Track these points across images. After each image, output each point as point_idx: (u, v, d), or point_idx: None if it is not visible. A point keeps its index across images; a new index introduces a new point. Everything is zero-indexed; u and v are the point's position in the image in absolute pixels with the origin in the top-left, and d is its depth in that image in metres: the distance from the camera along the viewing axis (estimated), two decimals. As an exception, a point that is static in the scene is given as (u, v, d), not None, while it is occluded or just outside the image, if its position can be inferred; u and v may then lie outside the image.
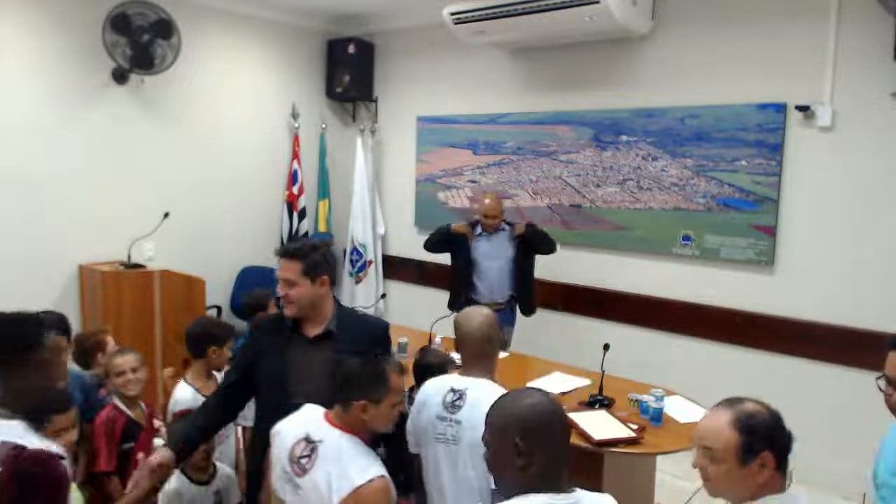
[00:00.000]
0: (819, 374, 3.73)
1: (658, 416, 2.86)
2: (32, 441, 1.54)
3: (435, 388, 2.17)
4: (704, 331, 4.12)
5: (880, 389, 1.74)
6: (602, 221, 4.52)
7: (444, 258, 5.40)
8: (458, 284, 4.31)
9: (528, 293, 4.28)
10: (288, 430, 1.84)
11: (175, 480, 2.36)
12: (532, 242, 4.15)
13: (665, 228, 4.25)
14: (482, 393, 2.02)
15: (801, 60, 3.72)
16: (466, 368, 2.21)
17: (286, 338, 2.21)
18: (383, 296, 5.43)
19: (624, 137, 4.38)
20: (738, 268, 4.01)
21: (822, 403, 3.69)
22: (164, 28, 4.42)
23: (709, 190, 4.07)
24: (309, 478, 1.71)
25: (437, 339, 3.79)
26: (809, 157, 3.75)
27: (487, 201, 4.23)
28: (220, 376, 2.88)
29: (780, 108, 3.79)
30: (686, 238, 4.18)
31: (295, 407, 2.01)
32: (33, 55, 4.15)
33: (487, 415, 1.46)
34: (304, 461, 1.75)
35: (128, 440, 2.45)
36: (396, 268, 5.76)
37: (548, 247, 4.18)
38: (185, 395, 2.72)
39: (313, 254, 2.19)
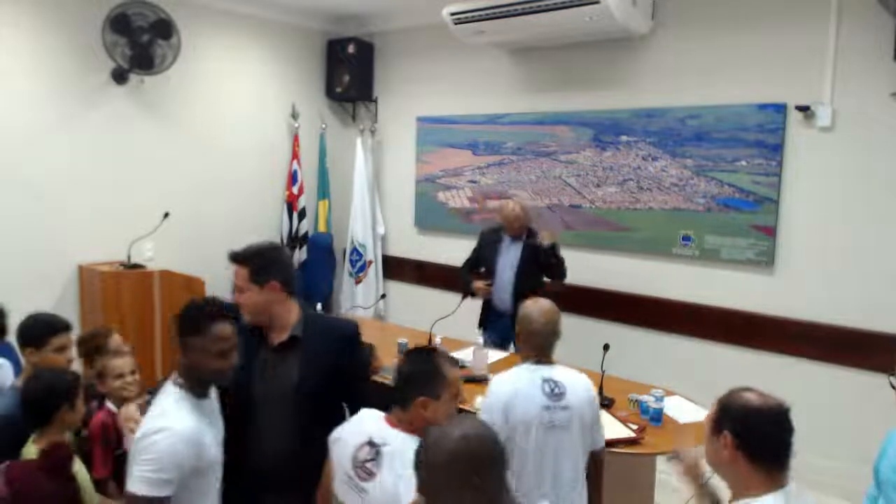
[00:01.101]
0: (819, 374, 3.73)
1: (658, 416, 2.86)
2: None
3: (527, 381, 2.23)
4: (704, 331, 4.12)
5: (893, 387, 1.75)
6: (602, 221, 4.52)
7: (444, 258, 5.41)
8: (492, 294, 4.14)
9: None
10: (349, 436, 1.84)
11: None
12: (546, 258, 3.96)
13: (665, 228, 4.25)
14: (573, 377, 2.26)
15: (801, 60, 3.72)
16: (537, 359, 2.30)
17: (254, 347, 2.13)
18: (383, 296, 5.43)
19: (624, 137, 4.38)
20: (738, 268, 4.01)
21: (822, 403, 3.69)
22: (164, 28, 4.42)
23: (709, 190, 4.07)
24: (376, 482, 1.71)
25: (437, 340, 3.79)
26: (809, 157, 3.75)
27: (510, 209, 4.06)
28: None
29: (780, 109, 3.79)
30: (686, 238, 4.18)
31: (258, 414, 2.02)
32: (33, 55, 4.15)
33: (425, 456, 1.40)
34: (369, 465, 1.74)
35: (121, 444, 2.41)
36: (396, 268, 5.76)
37: (559, 272, 4.04)
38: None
39: (258, 258, 2.10)
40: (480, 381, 3.30)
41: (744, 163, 3.93)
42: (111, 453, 2.39)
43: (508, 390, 2.20)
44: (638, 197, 4.35)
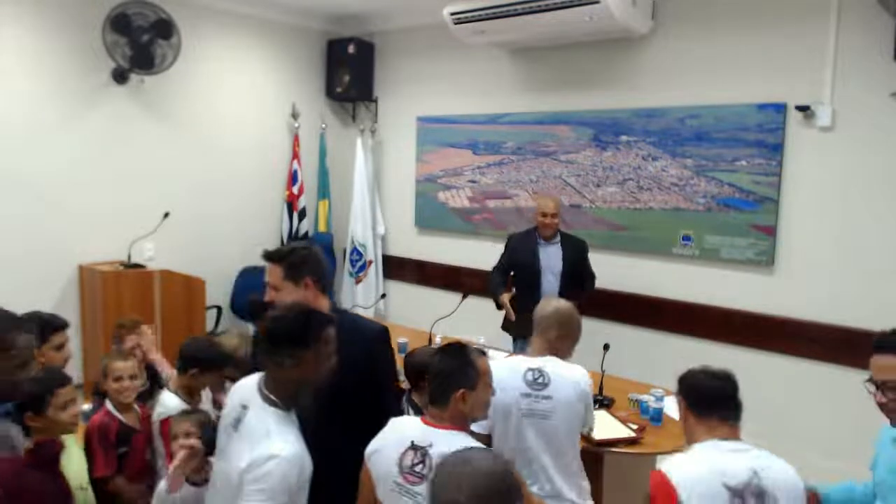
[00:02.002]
0: (819, 374, 3.73)
1: (658, 416, 2.86)
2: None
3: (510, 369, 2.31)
4: (705, 331, 4.13)
5: (869, 391, 1.75)
6: (602, 221, 4.52)
7: (444, 258, 5.42)
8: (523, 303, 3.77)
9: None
10: (387, 446, 1.82)
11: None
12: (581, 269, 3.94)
13: (665, 228, 4.25)
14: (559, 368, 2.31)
15: (801, 60, 3.72)
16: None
17: None
18: (383, 296, 5.44)
19: (624, 137, 4.38)
20: (738, 268, 4.01)
21: (822, 403, 3.69)
22: (164, 28, 4.42)
23: (709, 190, 4.07)
24: (427, 485, 1.66)
25: (437, 339, 3.79)
26: (809, 157, 3.75)
27: (549, 202, 3.94)
28: (204, 394, 2.88)
29: (780, 108, 3.79)
30: (686, 238, 4.18)
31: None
32: (33, 55, 4.15)
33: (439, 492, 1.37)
34: (418, 468, 1.74)
35: (121, 445, 2.40)
36: (396, 268, 5.76)
37: (591, 285, 4.00)
38: (171, 403, 2.70)
39: (292, 256, 2.12)
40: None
41: (744, 163, 3.93)
42: (113, 452, 2.39)
43: (496, 374, 2.23)
44: (638, 197, 4.36)
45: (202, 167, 5.03)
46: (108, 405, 2.50)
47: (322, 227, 5.73)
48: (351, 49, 5.55)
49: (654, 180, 4.29)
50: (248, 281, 5.07)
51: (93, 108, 4.43)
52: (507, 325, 4.06)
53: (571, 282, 3.88)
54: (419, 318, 4.28)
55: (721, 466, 1.66)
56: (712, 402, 1.78)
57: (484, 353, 1.94)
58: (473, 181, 5.19)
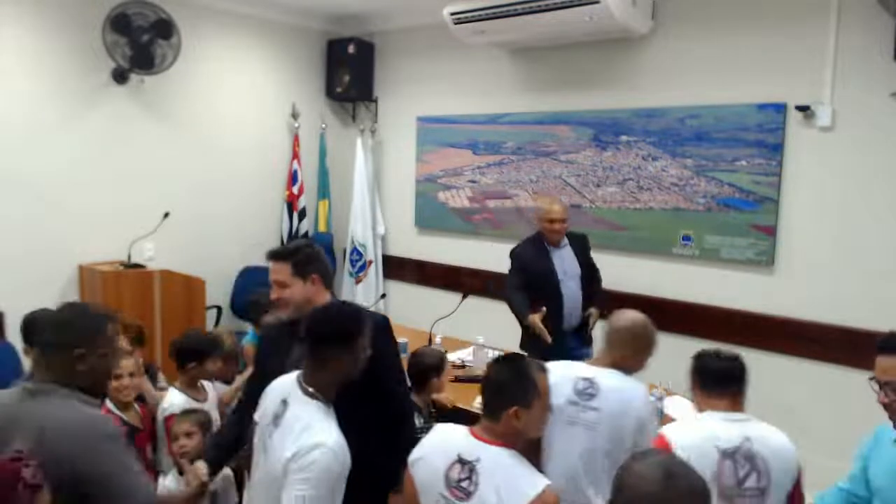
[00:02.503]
0: (819, 374, 3.73)
1: (658, 416, 2.86)
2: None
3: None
4: (705, 331, 4.12)
5: (873, 389, 1.79)
6: (602, 221, 4.52)
7: (444, 258, 5.42)
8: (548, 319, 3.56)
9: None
10: (432, 455, 1.78)
11: (171, 480, 2.35)
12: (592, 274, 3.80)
13: (665, 228, 4.25)
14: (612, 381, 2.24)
15: (801, 60, 3.72)
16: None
17: (288, 340, 2.20)
18: (383, 296, 5.43)
19: (624, 137, 4.38)
20: (738, 268, 4.01)
21: (822, 403, 3.69)
22: (164, 28, 4.42)
23: (709, 190, 4.08)
24: (476, 499, 1.66)
25: (437, 340, 3.79)
26: (809, 157, 3.75)
27: (555, 206, 3.71)
28: (208, 384, 2.89)
29: (780, 108, 3.79)
30: (686, 238, 4.18)
31: None
32: (33, 55, 4.15)
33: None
34: (465, 484, 1.68)
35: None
36: (396, 268, 5.76)
37: (599, 281, 3.87)
38: (177, 400, 2.71)
39: (299, 253, 2.21)
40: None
41: (744, 163, 3.93)
42: None
43: (552, 378, 2.23)
44: (638, 197, 4.36)
45: (202, 167, 5.03)
46: (109, 404, 2.50)
47: (322, 227, 5.73)
48: (351, 49, 5.55)
49: (654, 180, 4.29)
50: (248, 281, 5.07)
51: (93, 108, 4.42)
52: (530, 345, 3.70)
53: (589, 282, 3.77)
54: (419, 318, 4.28)
55: (716, 432, 1.86)
56: (718, 381, 1.98)
57: (545, 370, 1.84)
58: (473, 181, 5.18)
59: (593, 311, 3.71)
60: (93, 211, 4.44)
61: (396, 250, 5.78)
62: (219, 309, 5.05)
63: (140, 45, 4.36)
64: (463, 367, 3.52)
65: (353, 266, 5.67)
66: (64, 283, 4.38)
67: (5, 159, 4.06)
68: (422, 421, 2.72)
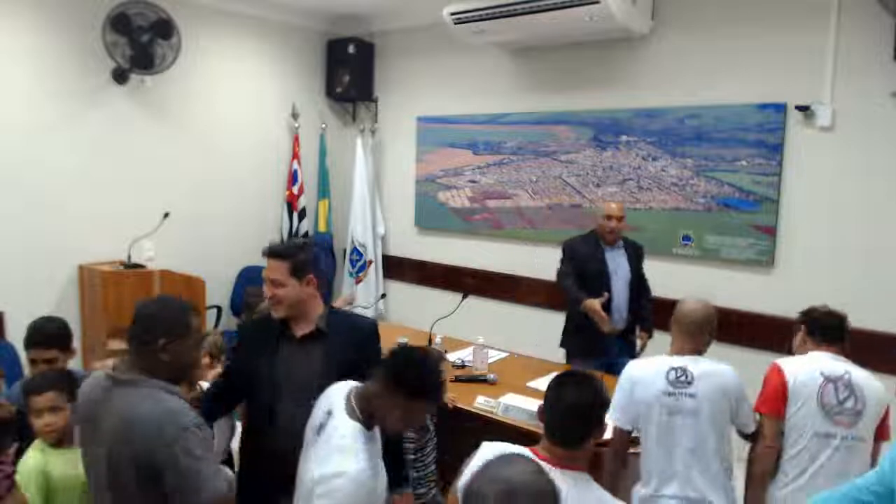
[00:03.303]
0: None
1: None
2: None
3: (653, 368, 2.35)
4: (704, 331, 4.12)
5: None
6: (602, 221, 4.52)
7: (444, 258, 5.42)
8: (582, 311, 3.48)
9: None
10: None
11: None
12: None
13: (665, 228, 4.25)
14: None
15: (801, 60, 3.72)
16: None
17: (275, 338, 2.21)
18: (383, 296, 5.44)
19: (624, 137, 4.38)
20: (738, 268, 4.01)
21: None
22: (164, 28, 4.42)
23: (709, 190, 4.07)
24: None
25: (437, 339, 3.79)
26: (809, 157, 3.75)
27: (613, 204, 3.67)
28: (204, 385, 2.89)
29: (780, 108, 3.79)
30: (686, 238, 4.18)
31: (279, 408, 2.01)
32: (33, 55, 4.14)
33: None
34: None
35: None
36: (396, 268, 5.76)
37: (648, 296, 3.82)
38: None
39: (300, 253, 2.19)
40: (481, 380, 3.30)
41: (744, 163, 3.93)
42: None
43: (635, 374, 2.38)
44: (638, 197, 4.35)
45: (202, 167, 5.03)
46: None
47: (322, 227, 5.73)
48: (351, 49, 5.55)
49: (654, 180, 4.29)
50: (248, 281, 5.06)
51: (93, 108, 4.42)
52: (574, 342, 3.67)
53: (637, 291, 3.71)
54: (419, 318, 4.28)
55: (821, 364, 2.30)
56: (825, 333, 2.39)
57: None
58: (473, 181, 5.18)
59: (643, 335, 3.69)
60: (93, 211, 4.44)
61: (396, 250, 5.78)
62: (219, 309, 5.05)
63: (140, 45, 4.36)
64: (463, 367, 3.52)
65: (353, 266, 5.67)
66: (64, 283, 4.38)
67: (5, 159, 4.06)
68: None
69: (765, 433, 2.31)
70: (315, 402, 1.94)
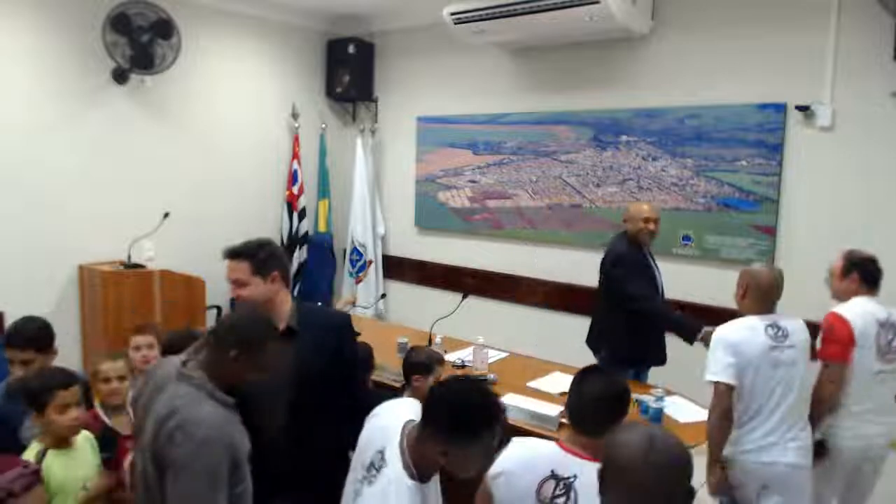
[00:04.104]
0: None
1: (658, 416, 2.86)
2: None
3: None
4: (704, 331, 4.12)
5: None
6: (602, 221, 4.52)
7: (444, 258, 5.42)
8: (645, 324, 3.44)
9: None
10: (518, 470, 1.67)
11: None
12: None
13: (665, 228, 4.23)
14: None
15: (801, 60, 3.72)
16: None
17: None
18: (383, 296, 5.44)
19: (624, 137, 4.38)
20: (739, 268, 3.94)
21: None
22: (164, 28, 4.42)
23: (709, 190, 4.07)
24: None
25: (438, 339, 3.79)
26: (809, 157, 3.75)
27: (647, 206, 3.61)
28: None
29: (780, 108, 3.79)
30: (686, 238, 4.18)
31: (255, 409, 1.99)
32: (33, 55, 4.14)
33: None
34: (560, 500, 1.59)
35: (104, 450, 2.33)
36: (396, 268, 5.76)
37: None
38: None
39: (261, 251, 2.15)
40: (481, 381, 3.30)
41: (744, 163, 3.93)
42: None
43: (731, 336, 2.57)
44: (638, 197, 4.35)
45: (202, 167, 5.03)
46: (98, 408, 2.47)
47: (322, 227, 5.73)
48: (351, 49, 5.55)
49: (654, 180, 4.29)
50: (248, 281, 5.06)
51: (93, 108, 4.42)
52: (629, 348, 3.52)
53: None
54: (419, 318, 4.28)
55: (871, 309, 2.69)
56: (875, 280, 2.76)
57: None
58: (473, 181, 5.18)
59: (708, 329, 3.37)
60: (93, 211, 4.44)
61: (396, 250, 5.78)
62: (219, 309, 5.04)
63: (140, 45, 4.36)
64: (463, 367, 3.52)
65: (353, 266, 5.67)
66: (64, 283, 4.38)
67: (5, 159, 4.06)
68: None
69: (832, 378, 2.63)
70: (293, 403, 1.93)
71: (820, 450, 2.66)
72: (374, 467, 1.64)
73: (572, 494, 1.58)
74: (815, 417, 2.65)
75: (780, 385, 2.53)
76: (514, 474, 1.67)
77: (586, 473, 1.56)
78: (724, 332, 2.61)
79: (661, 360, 3.58)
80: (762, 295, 2.67)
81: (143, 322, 3.21)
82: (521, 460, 1.69)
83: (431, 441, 1.57)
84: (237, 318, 1.88)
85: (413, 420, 1.68)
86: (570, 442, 1.69)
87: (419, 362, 2.79)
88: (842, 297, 2.79)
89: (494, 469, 1.70)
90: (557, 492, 1.59)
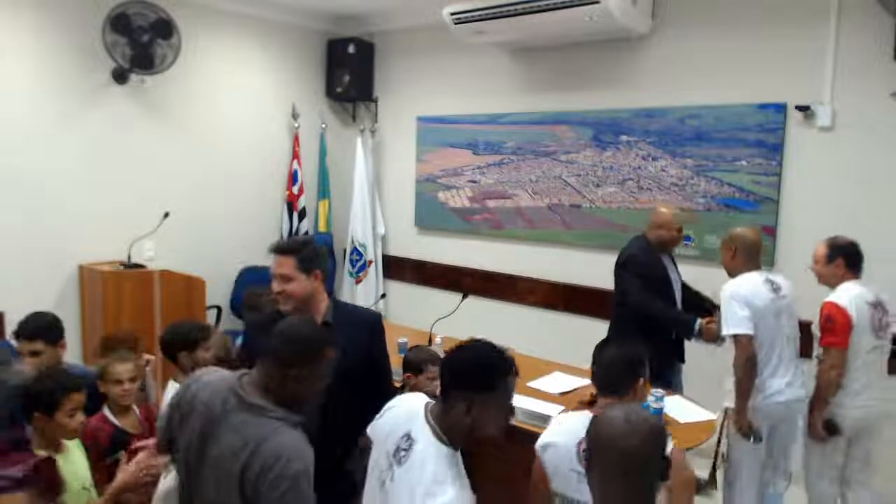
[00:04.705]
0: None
1: (658, 416, 2.86)
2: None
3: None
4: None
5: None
6: (602, 221, 4.52)
7: (444, 258, 5.42)
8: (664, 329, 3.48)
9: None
10: (560, 439, 1.92)
11: (168, 481, 2.34)
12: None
13: (665, 228, 4.25)
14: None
15: (801, 60, 3.72)
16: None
17: None
18: (383, 296, 5.43)
19: (624, 137, 4.38)
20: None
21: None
22: (164, 28, 4.42)
23: (709, 190, 4.08)
24: None
25: (438, 339, 3.79)
26: (809, 157, 3.75)
27: (667, 210, 3.60)
28: None
29: (780, 108, 3.79)
30: (686, 238, 4.18)
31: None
32: (33, 55, 4.14)
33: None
34: None
35: (115, 451, 2.36)
36: (396, 268, 5.76)
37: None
38: None
39: (306, 249, 2.25)
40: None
41: (744, 163, 3.93)
42: (99, 460, 2.34)
43: (743, 291, 2.90)
44: (638, 197, 4.36)
45: (202, 167, 5.03)
46: (105, 409, 2.47)
47: (322, 227, 5.73)
48: (351, 49, 5.55)
49: (654, 180, 4.29)
50: (249, 281, 5.06)
51: (93, 108, 4.42)
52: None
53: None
54: (419, 318, 4.28)
55: (860, 292, 2.90)
56: (859, 264, 3.00)
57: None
58: (473, 181, 5.18)
59: (702, 321, 3.41)
60: (93, 211, 4.44)
61: (396, 250, 5.78)
62: (219, 309, 5.05)
63: (140, 45, 4.36)
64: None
65: (353, 266, 5.67)
66: (64, 283, 4.38)
67: (5, 159, 4.06)
68: None
69: (835, 363, 2.83)
70: (327, 396, 1.92)
71: (831, 429, 2.88)
72: (402, 450, 1.67)
73: None
74: (821, 400, 2.87)
75: (783, 332, 2.90)
76: (556, 443, 1.92)
77: None
78: (734, 288, 2.92)
79: (675, 360, 3.57)
80: (752, 252, 3.03)
81: (113, 335, 3.01)
82: (561, 430, 1.95)
83: (454, 402, 1.64)
84: (293, 331, 1.82)
85: (431, 402, 1.75)
86: (600, 408, 1.92)
87: (410, 361, 2.85)
88: (830, 281, 3.00)
89: (542, 442, 1.95)
90: None
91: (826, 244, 3.06)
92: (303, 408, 1.80)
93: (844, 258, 2.99)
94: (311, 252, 2.25)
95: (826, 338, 2.87)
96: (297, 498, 1.63)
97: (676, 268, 3.66)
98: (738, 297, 2.87)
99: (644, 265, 3.47)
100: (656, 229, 3.52)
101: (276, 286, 2.22)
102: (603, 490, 1.41)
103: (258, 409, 1.70)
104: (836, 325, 2.83)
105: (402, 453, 1.66)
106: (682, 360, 3.62)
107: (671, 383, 3.44)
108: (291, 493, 1.62)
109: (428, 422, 1.67)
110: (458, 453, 1.67)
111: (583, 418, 1.87)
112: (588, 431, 1.47)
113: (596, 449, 1.43)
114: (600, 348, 2.05)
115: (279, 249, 2.26)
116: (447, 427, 1.66)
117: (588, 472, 1.46)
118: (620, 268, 3.54)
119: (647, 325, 3.33)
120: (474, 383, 1.64)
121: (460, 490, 1.58)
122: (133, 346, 2.89)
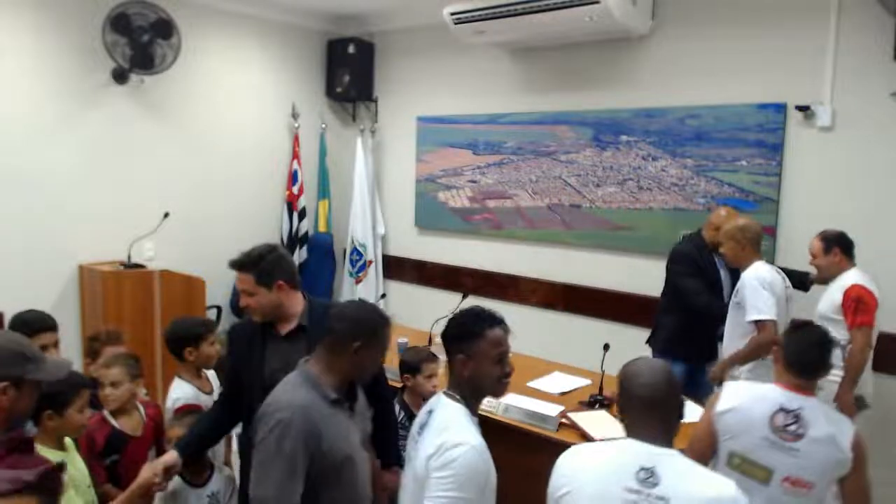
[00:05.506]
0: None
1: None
2: None
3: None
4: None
5: None
6: (602, 221, 4.52)
7: (444, 258, 5.42)
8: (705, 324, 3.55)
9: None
10: (746, 405, 2.05)
11: (171, 482, 2.34)
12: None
13: (665, 228, 4.25)
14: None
15: (801, 60, 3.72)
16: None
17: (261, 339, 2.25)
18: (383, 296, 5.43)
19: (624, 137, 4.38)
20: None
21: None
22: (164, 28, 4.42)
23: (709, 190, 4.07)
24: (807, 440, 1.97)
25: (438, 339, 3.78)
26: (809, 157, 3.75)
27: (724, 212, 3.61)
28: (212, 375, 2.89)
29: (780, 108, 3.79)
30: (686, 238, 4.18)
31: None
32: (33, 55, 4.14)
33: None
34: (792, 427, 1.99)
35: (112, 453, 2.37)
36: (396, 268, 5.76)
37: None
38: (184, 391, 2.70)
39: (263, 262, 2.23)
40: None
41: (744, 163, 3.93)
42: (97, 462, 2.33)
43: (768, 278, 3.14)
44: (638, 197, 4.36)
45: (202, 167, 5.03)
46: (105, 411, 2.47)
47: (322, 227, 5.73)
48: (351, 49, 5.55)
49: (654, 180, 4.29)
50: (248, 281, 5.06)
51: (93, 108, 4.42)
52: (688, 348, 3.61)
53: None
54: (419, 318, 4.28)
55: (869, 278, 3.12)
56: (852, 250, 3.18)
57: None
58: (473, 181, 5.18)
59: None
60: (93, 211, 4.44)
61: (396, 250, 5.78)
62: (219, 309, 5.05)
63: (140, 45, 4.36)
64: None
65: (353, 266, 5.67)
66: (64, 283, 4.38)
67: (5, 159, 4.06)
68: (402, 415, 2.72)
69: (869, 342, 3.02)
70: None
71: (861, 405, 3.02)
72: (427, 423, 1.81)
73: (801, 422, 1.99)
74: (852, 379, 2.99)
75: (790, 317, 3.10)
76: (743, 408, 2.04)
77: (808, 407, 2.01)
78: (760, 274, 3.10)
79: (709, 356, 3.58)
80: (757, 241, 3.21)
81: (99, 334, 2.92)
82: (750, 396, 2.08)
83: (454, 359, 1.83)
84: (352, 309, 1.96)
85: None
86: (784, 384, 2.07)
87: (404, 363, 2.85)
88: (831, 271, 3.18)
89: (722, 406, 2.07)
90: (789, 420, 2.00)
91: (819, 237, 3.23)
92: (361, 381, 1.95)
93: (840, 247, 3.16)
94: (269, 265, 2.22)
95: (860, 318, 3.01)
96: (265, 445, 1.75)
97: (727, 268, 3.63)
98: (765, 282, 3.05)
99: (693, 262, 3.64)
100: (713, 230, 3.59)
101: (241, 301, 2.25)
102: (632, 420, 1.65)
103: (301, 369, 1.88)
104: (867, 305, 3.01)
105: (424, 426, 1.82)
106: (714, 358, 3.56)
107: (700, 383, 3.45)
108: (266, 438, 1.75)
109: (447, 394, 1.84)
110: (474, 414, 1.81)
111: (771, 390, 2.07)
112: (618, 382, 1.71)
113: (626, 398, 1.67)
114: (798, 328, 2.23)
115: (237, 265, 2.26)
116: (461, 391, 1.82)
117: (621, 419, 1.68)
118: (670, 263, 3.75)
119: (688, 321, 3.56)
120: (463, 333, 1.86)
121: (481, 438, 1.70)
122: (115, 342, 2.84)
